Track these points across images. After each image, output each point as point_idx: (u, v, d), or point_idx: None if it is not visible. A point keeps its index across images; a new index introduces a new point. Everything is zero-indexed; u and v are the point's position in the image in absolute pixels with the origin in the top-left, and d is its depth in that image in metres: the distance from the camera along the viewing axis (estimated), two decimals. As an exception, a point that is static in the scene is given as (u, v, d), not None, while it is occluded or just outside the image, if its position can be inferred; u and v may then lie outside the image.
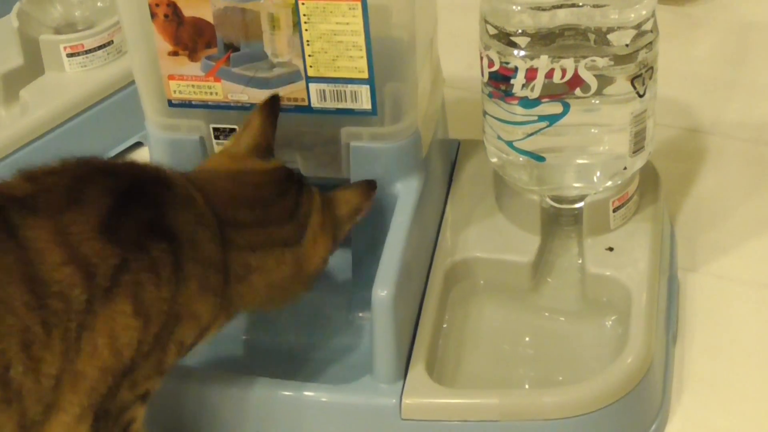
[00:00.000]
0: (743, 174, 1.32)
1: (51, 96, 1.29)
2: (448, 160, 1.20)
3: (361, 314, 1.11)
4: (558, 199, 1.12)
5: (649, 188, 1.15)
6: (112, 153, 1.32)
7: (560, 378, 1.06)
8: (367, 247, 1.08)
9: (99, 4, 1.34)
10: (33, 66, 1.32)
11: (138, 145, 1.34)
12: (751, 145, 1.35)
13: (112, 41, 1.30)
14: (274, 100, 1.00)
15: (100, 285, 0.81)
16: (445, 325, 1.08)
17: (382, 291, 0.99)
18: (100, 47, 1.31)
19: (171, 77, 1.04)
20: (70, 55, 1.30)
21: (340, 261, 1.11)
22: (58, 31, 1.33)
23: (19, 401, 0.77)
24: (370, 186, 1.02)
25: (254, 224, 0.94)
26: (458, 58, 1.26)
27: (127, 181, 0.86)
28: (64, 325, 0.79)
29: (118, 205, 0.83)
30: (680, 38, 1.53)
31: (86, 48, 1.30)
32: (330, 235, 0.99)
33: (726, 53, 1.51)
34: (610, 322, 1.08)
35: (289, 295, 0.98)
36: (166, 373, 0.89)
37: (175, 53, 1.03)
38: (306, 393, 1.01)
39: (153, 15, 1.01)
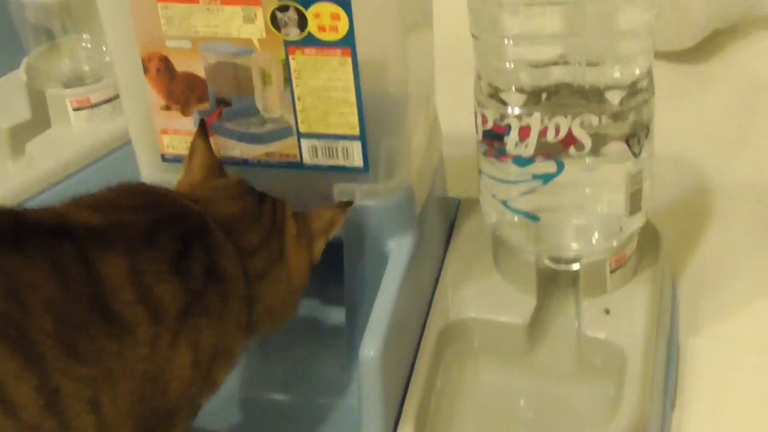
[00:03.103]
0: (750, 235, 1.27)
1: (56, 150, 1.28)
2: (446, 218, 1.16)
3: (355, 373, 1.07)
4: (555, 260, 1.09)
5: (650, 249, 1.11)
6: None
7: (553, 442, 1.01)
8: (360, 305, 1.04)
9: (107, 58, 1.32)
10: (40, 120, 1.30)
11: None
12: (758, 206, 1.31)
13: (118, 95, 1.28)
14: (203, 123, 0.98)
15: (167, 327, 0.79)
16: (438, 384, 1.04)
17: (370, 351, 0.95)
18: (106, 101, 1.29)
19: (164, 131, 1.02)
20: (76, 109, 1.29)
21: (334, 318, 1.08)
22: (66, 84, 1.31)
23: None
24: (344, 203, 0.99)
25: (257, 248, 0.91)
26: (463, 115, 1.22)
27: (189, 224, 0.85)
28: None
29: (184, 249, 0.83)
30: (691, 96, 1.50)
31: (92, 102, 1.28)
32: (305, 248, 0.95)
33: (736, 112, 1.47)
34: (606, 386, 1.03)
35: (282, 318, 0.96)
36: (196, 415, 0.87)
37: (167, 108, 1.01)
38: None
39: (146, 69, 0.99)
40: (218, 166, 0.97)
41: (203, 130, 0.98)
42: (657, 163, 1.33)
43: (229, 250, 0.88)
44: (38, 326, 0.71)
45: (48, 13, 1.30)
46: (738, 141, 1.42)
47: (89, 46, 1.32)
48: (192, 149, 0.97)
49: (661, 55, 1.53)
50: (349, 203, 0.99)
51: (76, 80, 1.32)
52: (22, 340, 0.70)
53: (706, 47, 1.55)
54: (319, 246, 0.97)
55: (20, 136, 1.30)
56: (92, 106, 1.29)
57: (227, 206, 0.92)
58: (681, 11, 1.49)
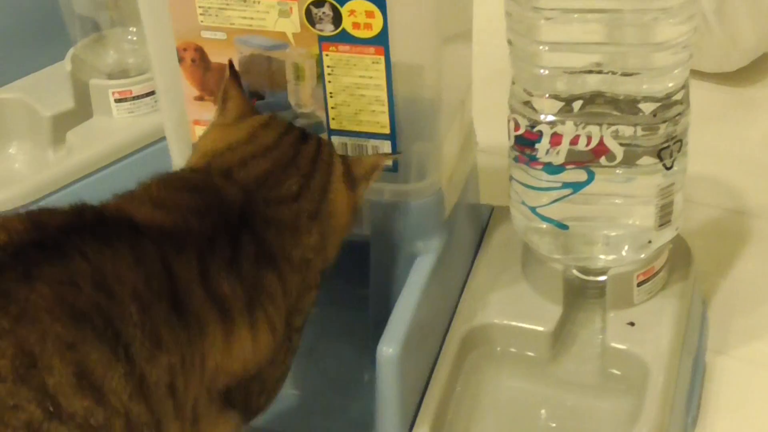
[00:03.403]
0: (785, 260, 1.26)
1: (96, 139, 1.29)
2: (478, 225, 1.16)
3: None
4: (584, 270, 1.08)
5: (680, 265, 1.10)
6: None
7: (571, 454, 1.01)
8: (384, 305, 1.04)
9: (151, 51, 1.33)
10: (83, 110, 1.32)
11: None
12: (796, 231, 1.29)
13: (160, 89, 1.29)
14: (231, 64, 0.96)
15: (236, 322, 0.82)
16: (458, 387, 1.04)
17: (388, 348, 0.95)
18: (147, 94, 1.30)
19: (196, 122, 1.02)
20: (118, 101, 1.30)
21: (359, 317, 1.07)
22: (110, 76, 1.32)
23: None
24: (386, 153, 0.99)
25: (299, 193, 0.91)
26: (504, 128, 1.22)
27: (236, 218, 0.86)
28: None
29: (237, 246, 0.84)
30: (736, 119, 1.49)
31: (134, 94, 1.30)
32: (350, 188, 0.94)
33: (780, 138, 1.46)
34: (628, 399, 1.02)
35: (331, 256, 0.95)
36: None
37: (201, 98, 1.01)
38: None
39: (180, 59, 0.99)
40: (251, 109, 0.96)
41: (234, 72, 0.96)
42: (696, 184, 1.32)
43: (275, 226, 0.88)
44: (125, 316, 0.73)
45: (96, 6, 1.31)
46: (781, 166, 1.40)
47: (135, 39, 1.33)
48: (225, 93, 0.95)
49: (708, 77, 1.53)
50: (392, 154, 0.98)
51: (120, 72, 1.33)
52: (111, 330, 0.72)
53: (753, 70, 1.53)
54: (362, 190, 0.95)
55: (62, 124, 1.31)
56: (134, 99, 1.30)
57: (263, 164, 0.91)
58: (730, 33, 1.47)
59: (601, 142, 0.98)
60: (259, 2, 0.94)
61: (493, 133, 1.15)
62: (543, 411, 1.05)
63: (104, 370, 0.71)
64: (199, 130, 1.02)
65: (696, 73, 1.50)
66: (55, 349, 0.69)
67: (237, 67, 0.98)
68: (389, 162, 0.98)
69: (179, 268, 0.79)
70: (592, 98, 0.98)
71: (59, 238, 0.73)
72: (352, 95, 0.97)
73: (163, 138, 1.09)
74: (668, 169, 1.00)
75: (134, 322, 0.73)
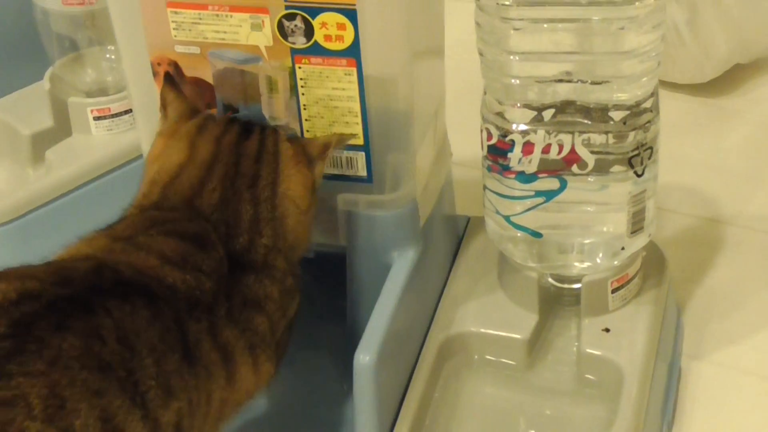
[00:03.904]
0: (760, 266, 1.26)
1: (75, 157, 1.29)
2: (454, 234, 1.16)
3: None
4: (559, 278, 1.08)
5: (654, 272, 1.10)
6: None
7: (547, 459, 1.01)
8: (361, 315, 1.04)
9: (128, 69, 1.33)
10: (62, 128, 1.31)
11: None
12: (769, 237, 1.30)
13: (138, 106, 1.30)
14: (168, 75, 0.99)
15: (237, 363, 0.89)
16: (436, 395, 1.04)
17: (365, 357, 0.95)
18: (125, 112, 1.30)
19: (173, 137, 1.02)
20: (96, 119, 1.30)
21: (336, 328, 1.08)
22: (89, 95, 1.32)
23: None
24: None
25: (262, 189, 0.93)
26: (478, 138, 1.23)
27: (224, 266, 0.90)
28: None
29: (228, 294, 0.89)
30: (710, 130, 1.49)
31: (113, 112, 1.29)
32: (305, 168, 0.95)
33: (753, 147, 1.46)
34: (603, 405, 1.02)
35: (301, 244, 0.97)
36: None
37: (176, 113, 1.01)
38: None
39: (155, 73, 1.00)
40: (190, 108, 0.97)
41: (170, 79, 0.97)
42: (670, 192, 1.33)
43: (252, 270, 0.92)
44: (143, 368, 0.79)
45: (73, 24, 1.31)
46: (753, 175, 1.41)
47: (113, 57, 1.33)
48: (162, 99, 0.97)
49: (682, 88, 1.54)
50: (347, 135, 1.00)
51: (98, 91, 1.33)
52: (131, 379, 0.78)
53: (726, 81, 1.54)
54: (319, 168, 0.96)
55: (41, 142, 1.31)
56: (113, 116, 1.30)
57: (213, 185, 0.93)
58: (702, 44, 1.48)
59: (572, 151, 0.99)
60: (231, 16, 0.95)
61: (469, 145, 1.16)
62: (521, 417, 1.06)
63: (125, 416, 0.76)
64: (175, 145, 1.03)
65: (670, 85, 1.52)
66: (83, 395, 0.74)
67: (211, 80, 0.99)
68: (344, 141, 0.98)
69: (190, 324, 0.85)
70: (563, 107, 0.99)
71: (85, 295, 0.79)
72: (325, 107, 0.98)
73: (141, 155, 1.09)
74: (639, 176, 1.00)
75: (150, 374, 0.79)
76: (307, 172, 0.95)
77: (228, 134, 0.95)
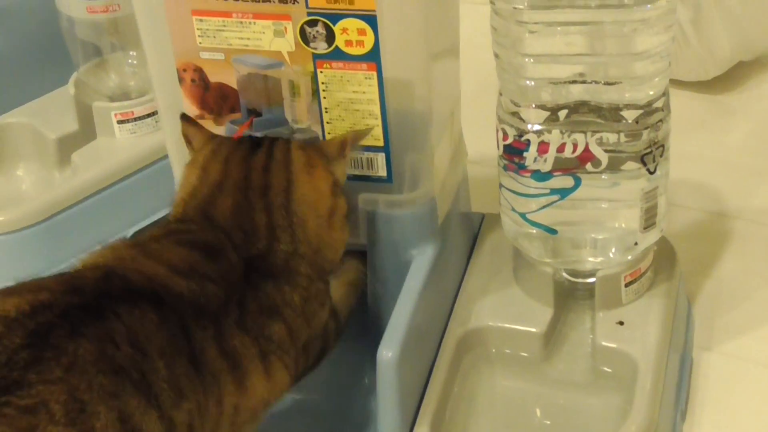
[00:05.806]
0: (766, 259, 1.27)
1: (100, 160, 1.29)
2: (469, 231, 1.17)
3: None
4: (573, 273, 1.09)
5: (665, 266, 1.11)
6: (157, 216, 1.31)
7: (565, 449, 1.01)
8: (383, 311, 1.05)
9: (152, 74, 1.33)
10: (86, 131, 1.32)
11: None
12: (776, 231, 1.30)
13: (160, 110, 1.30)
14: (184, 115, 1.00)
15: (246, 372, 0.89)
16: (455, 388, 1.04)
17: (388, 352, 0.96)
18: (148, 115, 1.30)
19: (197, 140, 1.03)
20: (120, 122, 1.30)
21: (359, 323, 1.08)
22: (112, 99, 1.33)
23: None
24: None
25: (269, 221, 0.94)
26: (491, 137, 1.23)
27: (238, 274, 0.91)
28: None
29: (241, 302, 0.90)
30: (714, 126, 1.49)
31: (136, 115, 1.30)
32: (323, 171, 0.96)
33: (759, 143, 1.46)
34: (619, 396, 1.03)
35: (332, 249, 0.98)
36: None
37: (201, 117, 1.02)
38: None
39: (181, 80, 1.00)
40: (210, 136, 0.98)
41: (185, 117, 0.99)
42: (679, 188, 1.33)
43: (271, 278, 0.93)
44: (155, 370, 0.80)
45: (97, 31, 1.32)
46: (758, 169, 1.41)
47: (135, 62, 1.34)
48: (185, 137, 0.98)
49: (686, 85, 1.54)
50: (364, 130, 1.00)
51: (122, 95, 1.34)
52: (145, 381, 0.79)
53: (729, 78, 1.54)
54: (341, 167, 0.97)
55: (67, 146, 1.32)
56: (136, 120, 1.30)
57: (226, 201, 0.94)
58: (706, 43, 1.48)
59: (586, 149, 0.99)
60: (254, 23, 0.95)
61: (483, 144, 1.17)
62: (537, 409, 1.06)
63: (142, 416, 0.78)
64: (200, 148, 1.03)
65: (674, 82, 1.52)
66: (101, 397, 0.75)
67: (235, 85, 0.99)
68: (360, 136, 0.98)
69: (195, 331, 0.86)
70: (576, 107, 0.99)
71: (96, 302, 0.81)
72: (346, 110, 0.98)
73: (165, 156, 1.10)
74: (651, 173, 1.01)
75: (162, 376, 0.81)
76: (325, 175, 0.96)
77: (238, 151, 0.96)
